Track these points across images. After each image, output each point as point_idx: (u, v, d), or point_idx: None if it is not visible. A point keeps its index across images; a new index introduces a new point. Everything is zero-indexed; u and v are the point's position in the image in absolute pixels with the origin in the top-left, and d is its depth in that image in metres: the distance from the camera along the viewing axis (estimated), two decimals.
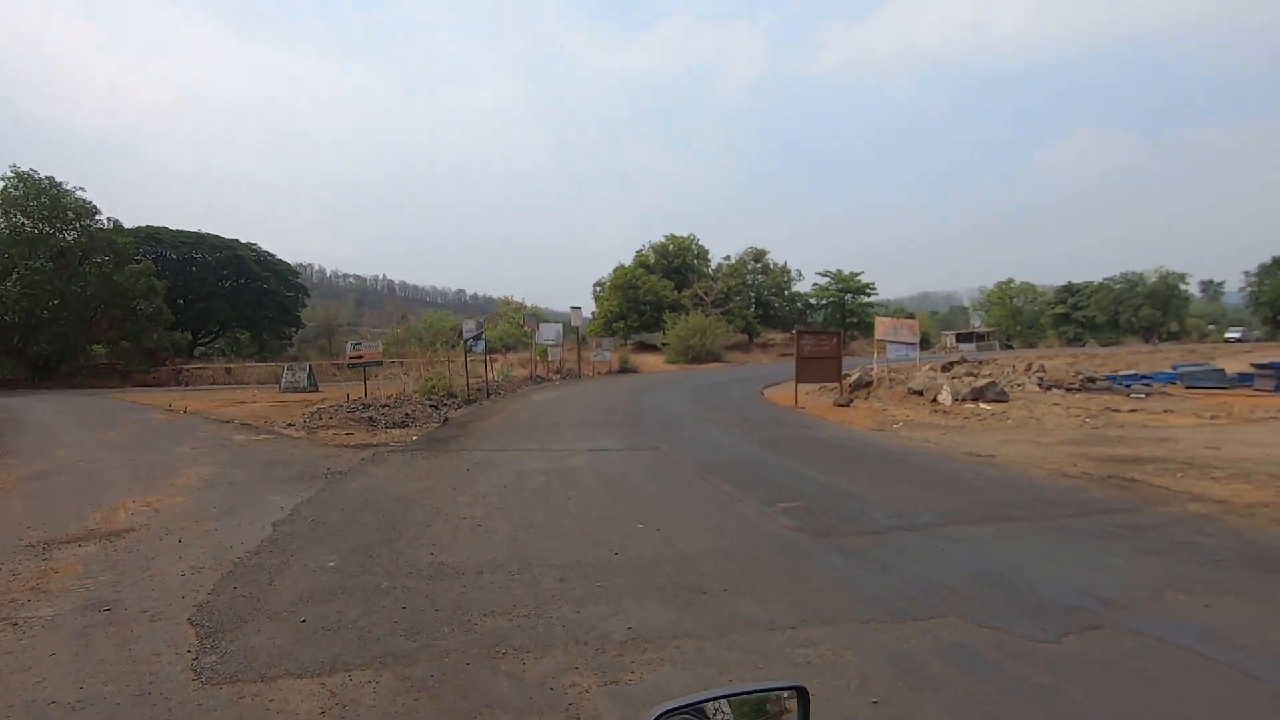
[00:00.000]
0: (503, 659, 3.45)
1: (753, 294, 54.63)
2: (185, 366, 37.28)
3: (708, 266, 54.76)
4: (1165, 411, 13.99)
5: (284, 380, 23.54)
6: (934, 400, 15.77)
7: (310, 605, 4.20)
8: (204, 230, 49.47)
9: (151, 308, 36.20)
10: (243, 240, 51.12)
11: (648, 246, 54.20)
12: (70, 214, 33.96)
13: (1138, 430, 11.60)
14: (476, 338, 19.61)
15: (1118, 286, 69.07)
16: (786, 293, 57.28)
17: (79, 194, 34.24)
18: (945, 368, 20.85)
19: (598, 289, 53.23)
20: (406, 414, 13.93)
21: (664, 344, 43.61)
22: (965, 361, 24.82)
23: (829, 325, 49.28)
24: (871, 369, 19.53)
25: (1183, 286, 68.53)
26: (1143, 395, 17.03)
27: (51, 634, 3.88)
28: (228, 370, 37.09)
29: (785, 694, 0.81)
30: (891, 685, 3.13)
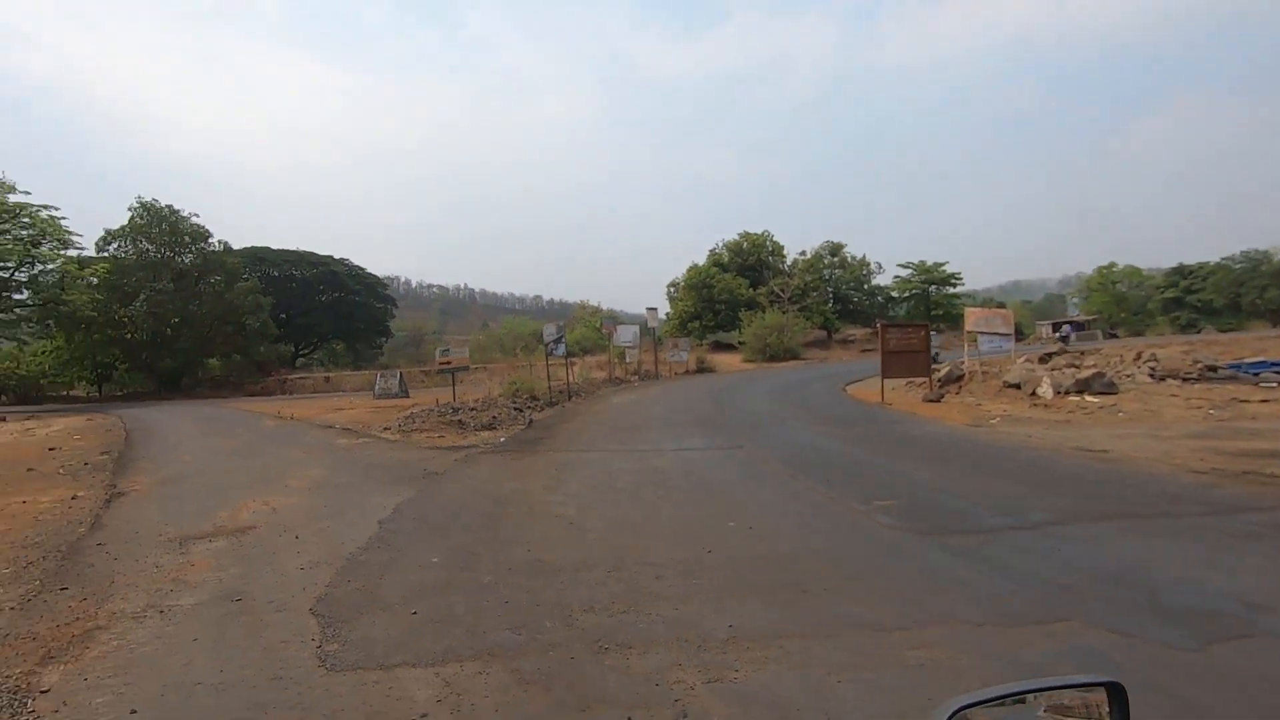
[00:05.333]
0: (606, 654, 3.49)
1: (830, 289, 53.39)
2: (289, 376, 39.91)
3: (783, 262, 53.84)
4: None
5: (377, 387, 24.76)
6: (1033, 393, 14.90)
7: (420, 599, 4.38)
8: (301, 248, 52.81)
9: (259, 322, 38.96)
10: (336, 256, 54.27)
11: (721, 245, 53.90)
12: (187, 238, 37.01)
13: (1273, 422, 10.56)
14: (557, 341, 20.00)
15: (1238, 266, 63.16)
16: (866, 286, 55.68)
17: (194, 220, 37.29)
18: (1044, 359, 19.67)
19: (672, 290, 53.29)
20: (493, 416, 14.36)
21: (740, 342, 43.19)
22: (1066, 352, 23.34)
23: (913, 318, 47.39)
24: (962, 362, 18.66)
25: None
26: (1275, 384, 15.48)
27: (192, 621, 4.21)
28: (326, 379, 39.42)
29: (1093, 689, 0.73)
30: None
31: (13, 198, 29.61)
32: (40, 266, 31.58)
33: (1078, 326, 56.03)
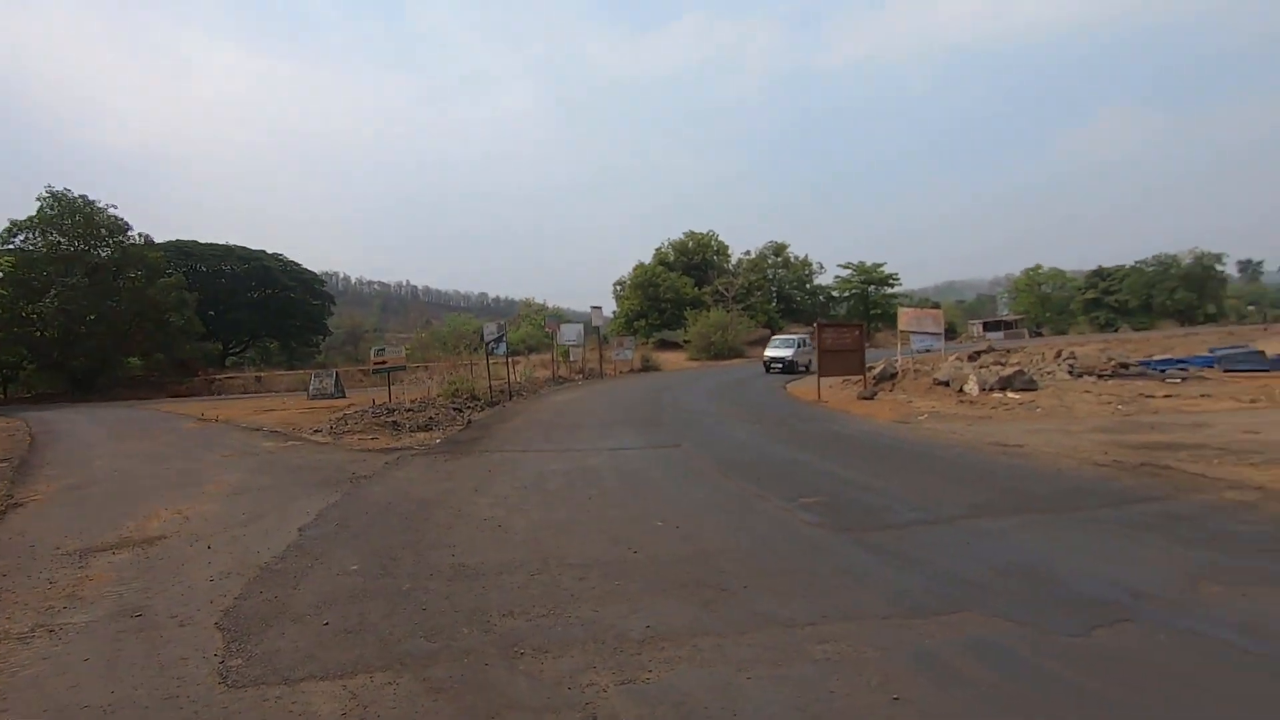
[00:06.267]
0: (521, 659, 3.46)
1: (774, 288, 54.41)
2: (217, 376, 38.14)
3: (728, 262, 54.60)
4: (1202, 396, 13.60)
5: (312, 387, 23.92)
6: (960, 390, 15.53)
7: (333, 609, 4.25)
8: (232, 243, 50.50)
9: (183, 320, 37.07)
10: (269, 251, 52.09)
11: (667, 244, 54.23)
12: (103, 231, 34.92)
13: (1172, 416, 11.29)
14: (498, 340, 19.75)
15: (1150, 269, 67.38)
16: (809, 286, 56.99)
17: (111, 211, 35.22)
18: (972, 357, 20.52)
19: (618, 288, 53.33)
20: (430, 417, 14.07)
21: (685, 341, 43.55)
22: (993, 350, 24.39)
23: (852, 317, 48.79)
24: (896, 361, 19.29)
25: (1219, 267, 66.67)
26: (1178, 380, 16.58)
27: (85, 640, 3.98)
28: (258, 379, 37.84)
29: None
30: (913, 681, 3.07)
31: None
32: None
33: (1007, 326, 58.75)
